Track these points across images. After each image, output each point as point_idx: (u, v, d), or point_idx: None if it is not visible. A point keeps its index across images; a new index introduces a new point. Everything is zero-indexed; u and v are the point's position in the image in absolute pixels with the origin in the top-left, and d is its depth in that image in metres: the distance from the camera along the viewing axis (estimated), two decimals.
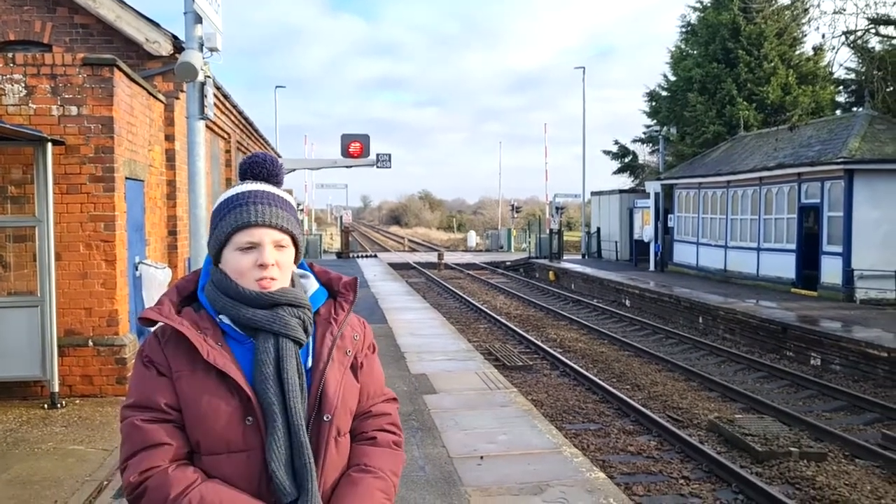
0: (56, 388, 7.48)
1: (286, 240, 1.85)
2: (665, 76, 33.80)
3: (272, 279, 1.81)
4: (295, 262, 1.93)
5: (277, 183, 1.94)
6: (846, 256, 17.90)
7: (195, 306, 1.87)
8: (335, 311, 1.93)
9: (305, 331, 1.84)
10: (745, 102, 28.48)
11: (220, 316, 1.83)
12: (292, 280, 1.91)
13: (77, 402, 7.67)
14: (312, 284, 1.97)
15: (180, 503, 1.65)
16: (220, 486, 1.71)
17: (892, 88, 20.39)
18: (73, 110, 7.65)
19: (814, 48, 28.78)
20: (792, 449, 8.08)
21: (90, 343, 7.82)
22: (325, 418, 1.80)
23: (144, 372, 1.80)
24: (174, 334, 1.79)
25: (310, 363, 1.85)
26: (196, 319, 1.82)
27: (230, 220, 1.82)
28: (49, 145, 7.37)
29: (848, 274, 17.78)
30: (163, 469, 1.70)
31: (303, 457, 1.74)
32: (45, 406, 7.44)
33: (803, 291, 19.30)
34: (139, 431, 1.74)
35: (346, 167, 20.64)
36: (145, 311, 1.83)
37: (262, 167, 1.92)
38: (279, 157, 21.89)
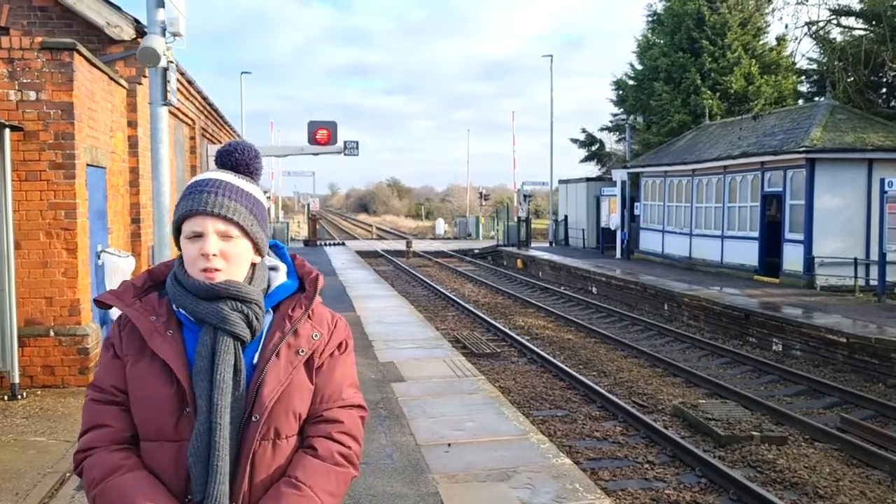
0: (16, 380, 7.33)
1: (234, 231, 1.79)
2: (632, 65, 34.06)
3: (216, 269, 1.77)
4: (260, 256, 1.89)
5: (249, 172, 1.90)
6: (807, 244, 18.23)
7: (162, 292, 1.87)
8: (293, 308, 1.88)
9: (251, 326, 1.80)
10: (709, 92, 28.78)
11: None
12: (252, 273, 1.86)
13: (38, 392, 7.54)
14: (280, 277, 1.93)
15: (102, 486, 1.71)
16: (142, 478, 1.72)
17: (852, 79, 20.75)
18: (32, 95, 7.47)
19: (777, 38, 29.18)
20: (754, 433, 8.24)
21: (51, 333, 7.68)
22: (253, 418, 1.76)
23: (105, 353, 1.85)
24: (131, 319, 1.82)
25: (256, 359, 1.81)
26: (156, 305, 1.83)
27: (181, 207, 1.82)
28: (7, 131, 7.19)
29: (809, 261, 18.12)
30: (99, 450, 1.76)
31: (213, 457, 1.70)
32: (6, 397, 7.30)
33: (766, 278, 19.63)
34: (90, 411, 1.81)
35: (314, 154, 20.45)
36: (103, 294, 1.85)
37: (231, 156, 1.89)
38: None
